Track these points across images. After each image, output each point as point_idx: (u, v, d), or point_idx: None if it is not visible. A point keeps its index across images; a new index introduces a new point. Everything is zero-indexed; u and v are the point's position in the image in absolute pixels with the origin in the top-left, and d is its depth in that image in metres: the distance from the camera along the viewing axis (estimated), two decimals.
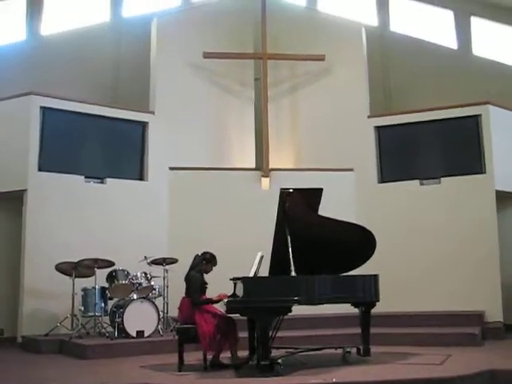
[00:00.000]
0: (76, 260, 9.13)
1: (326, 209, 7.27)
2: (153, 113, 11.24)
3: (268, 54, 11.64)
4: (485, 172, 10.49)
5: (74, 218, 10.09)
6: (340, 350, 7.45)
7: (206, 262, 7.19)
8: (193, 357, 7.20)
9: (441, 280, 10.32)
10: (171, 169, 11.11)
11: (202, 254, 7.24)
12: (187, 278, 7.14)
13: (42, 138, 10.07)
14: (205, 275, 7.21)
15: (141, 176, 11.03)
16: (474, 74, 12.09)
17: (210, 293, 7.15)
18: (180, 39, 11.68)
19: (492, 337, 9.10)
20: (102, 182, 10.60)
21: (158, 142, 11.13)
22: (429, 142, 11.14)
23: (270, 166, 11.30)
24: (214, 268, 7.30)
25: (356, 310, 7.57)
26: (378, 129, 11.45)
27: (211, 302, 7.00)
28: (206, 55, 11.39)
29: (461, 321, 9.49)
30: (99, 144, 10.77)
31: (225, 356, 7.10)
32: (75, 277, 9.20)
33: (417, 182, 10.96)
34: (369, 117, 11.52)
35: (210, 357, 6.94)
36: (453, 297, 10.10)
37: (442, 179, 10.79)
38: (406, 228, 10.73)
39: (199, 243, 7.52)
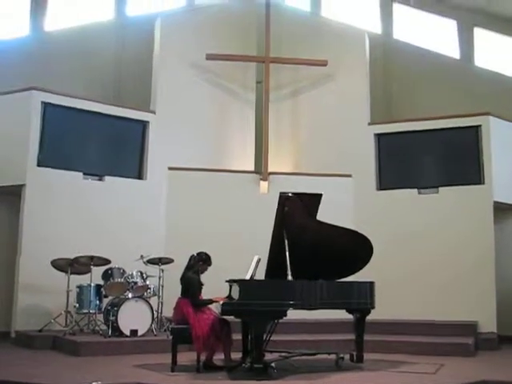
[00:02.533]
0: (72, 257, 9.12)
1: (324, 214, 7.27)
2: (154, 112, 11.24)
3: (270, 57, 11.65)
4: (483, 183, 10.50)
5: (72, 214, 10.09)
6: (333, 356, 7.45)
7: (202, 262, 7.19)
8: (186, 357, 7.18)
9: (435, 288, 10.32)
10: (170, 169, 11.11)
11: (197, 255, 7.24)
12: (184, 279, 7.13)
13: (43, 133, 10.06)
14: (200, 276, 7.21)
15: (140, 175, 11.03)
16: (476, 85, 12.12)
17: (206, 295, 7.15)
18: (183, 40, 11.68)
19: (485, 347, 9.10)
20: (101, 180, 10.59)
21: (158, 141, 11.13)
22: (428, 151, 11.16)
23: (269, 170, 11.31)
24: (209, 269, 7.30)
25: (351, 316, 7.58)
26: (378, 136, 11.47)
27: (212, 302, 7.00)
28: (209, 57, 11.40)
29: (454, 331, 9.51)
30: (99, 141, 10.77)
31: (218, 358, 7.10)
32: (71, 273, 9.19)
33: (415, 190, 10.98)
34: (369, 124, 11.55)
35: (203, 358, 6.94)
36: (447, 306, 10.11)
37: (440, 189, 10.81)
38: (402, 236, 10.73)
39: (196, 244, 7.52)
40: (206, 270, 7.26)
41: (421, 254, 10.57)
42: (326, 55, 11.57)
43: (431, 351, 8.46)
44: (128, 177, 10.85)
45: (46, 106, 10.15)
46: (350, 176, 11.38)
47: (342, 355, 7.41)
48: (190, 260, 7.26)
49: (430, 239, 10.57)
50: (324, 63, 11.54)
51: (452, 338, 9.01)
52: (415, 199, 10.92)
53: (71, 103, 10.36)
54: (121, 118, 10.89)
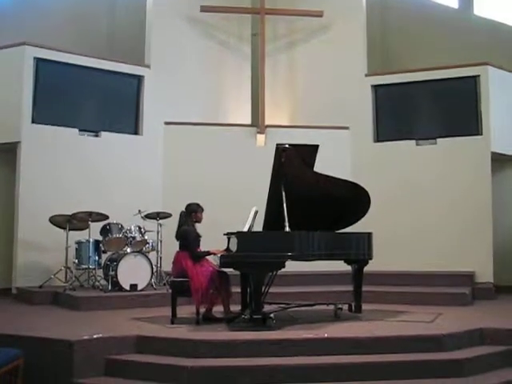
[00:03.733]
0: (70, 213, 9.10)
1: (321, 166, 7.25)
2: (148, 66, 11.08)
3: (266, 8, 11.41)
4: (481, 134, 10.41)
5: (69, 171, 10.04)
6: (331, 307, 7.52)
7: (194, 212, 7.18)
8: (186, 310, 7.23)
9: (433, 240, 10.36)
10: (166, 123, 11.02)
11: (186, 208, 7.23)
12: (181, 233, 7.13)
13: (36, 89, 9.91)
14: (197, 229, 7.22)
15: (136, 130, 10.94)
16: (475, 34, 11.91)
17: (204, 248, 7.15)
18: None
19: (482, 297, 9.18)
20: (97, 136, 10.50)
21: (154, 96, 11.01)
22: (426, 103, 11.05)
23: (266, 123, 11.21)
24: (207, 222, 7.31)
25: (349, 268, 7.63)
26: (375, 88, 11.34)
27: (210, 253, 7.02)
28: (204, 8, 11.19)
29: (451, 281, 9.58)
30: (94, 97, 10.63)
31: (217, 310, 7.15)
32: (69, 230, 9.20)
33: (413, 142, 10.90)
34: (366, 75, 11.39)
35: (202, 310, 7.00)
36: (444, 257, 10.14)
37: (439, 140, 10.73)
38: (400, 188, 10.72)
39: (193, 198, 7.46)
40: (200, 218, 7.27)
41: (418, 206, 10.58)
42: (321, 6, 11.35)
43: (429, 301, 8.54)
44: (124, 132, 10.76)
45: (39, 61, 9.97)
46: (347, 128, 11.30)
47: (340, 306, 7.48)
48: (180, 217, 7.24)
49: (427, 190, 10.56)
50: (320, 14, 11.34)
51: (449, 288, 9.09)
52: (413, 151, 10.86)
53: (64, 58, 10.18)
54: (115, 72, 10.73)
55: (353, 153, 11.24)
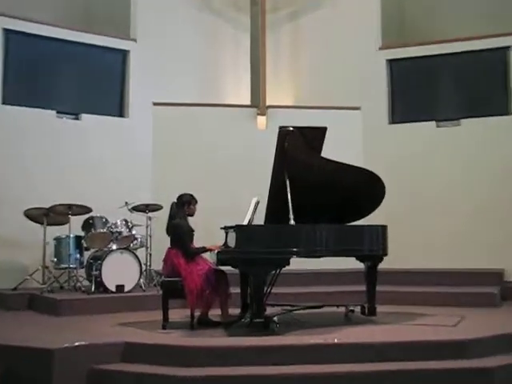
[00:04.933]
0: (48, 205, 9.10)
1: (329, 152, 7.25)
2: (134, 40, 11.06)
3: None
4: (511, 113, 10.43)
5: (46, 158, 10.03)
6: (342, 309, 7.56)
7: (186, 204, 7.20)
8: (179, 314, 7.26)
9: (456, 233, 10.37)
10: (155, 104, 11.01)
11: (178, 199, 7.24)
12: (172, 228, 7.15)
13: (6, 65, 9.88)
14: (190, 222, 7.23)
15: (121, 112, 10.95)
16: (504, 0, 11.86)
17: (199, 244, 7.17)
18: None
19: None
20: (77, 119, 10.50)
21: (141, 73, 10.99)
22: (448, 79, 11.04)
23: (267, 103, 11.21)
24: (202, 215, 7.33)
25: (361, 265, 7.63)
26: (390, 62, 11.33)
27: (206, 250, 7.05)
28: None
29: (478, 279, 9.55)
30: (74, 75, 10.62)
31: (214, 313, 7.16)
32: (47, 224, 9.20)
33: (433, 123, 10.90)
34: (380, 48, 11.38)
35: (197, 313, 7.02)
36: (469, 252, 10.16)
37: (462, 121, 10.72)
38: (418, 175, 10.73)
39: (186, 188, 7.47)
40: (194, 211, 7.29)
41: (439, 196, 10.58)
42: None
43: (451, 302, 8.54)
44: (108, 114, 10.75)
45: (9, 33, 9.93)
46: (358, 109, 11.30)
47: (352, 308, 7.51)
48: (171, 209, 7.26)
49: (450, 178, 10.56)
50: None
51: (475, 288, 9.09)
52: (433, 133, 10.85)
53: (39, 30, 10.15)
54: (97, 46, 10.71)
55: (365, 136, 11.23)
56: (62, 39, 10.38)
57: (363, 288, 7.67)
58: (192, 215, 7.31)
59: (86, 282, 9.12)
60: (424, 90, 11.17)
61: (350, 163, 7.41)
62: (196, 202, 7.33)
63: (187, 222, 7.18)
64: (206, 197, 7.62)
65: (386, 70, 11.34)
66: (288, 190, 6.77)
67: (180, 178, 10.34)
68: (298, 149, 6.97)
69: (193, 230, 7.19)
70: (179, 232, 7.06)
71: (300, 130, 6.95)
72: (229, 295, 7.12)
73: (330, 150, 7.29)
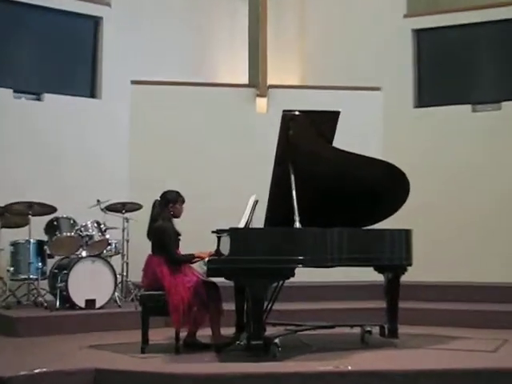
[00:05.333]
0: (3, 204, 9.11)
1: (342, 140, 7.23)
2: (109, 4, 11.09)
3: None
4: None
5: (0, 146, 10.03)
6: (358, 330, 7.55)
7: (171, 203, 7.22)
8: (161, 334, 7.31)
9: (494, 239, 10.42)
10: (134, 83, 11.05)
11: (162, 197, 7.27)
12: (155, 231, 7.15)
13: None
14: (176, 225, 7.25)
15: (92, 92, 11.02)
16: None
17: (186, 250, 7.18)
18: None
19: None
20: (39, 99, 10.55)
21: (117, 45, 11.03)
22: (487, 53, 11.10)
23: (269, 83, 11.25)
24: (191, 216, 7.34)
25: (380, 277, 7.64)
26: (418, 33, 11.41)
27: (193, 258, 7.05)
28: None
29: None
30: (34, 46, 10.68)
31: (204, 334, 7.17)
32: (2, 226, 9.22)
33: (468, 107, 10.94)
34: (405, 16, 11.42)
35: (183, 334, 7.02)
36: (510, 263, 10.18)
37: (503, 104, 10.78)
38: (449, 169, 10.76)
39: (171, 183, 7.49)
40: (180, 211, 7.32)
41: (476, 195, 10.61)
42: None
43: (489, 323, 8.54)
44: (76, 94, 10.80)
45: None
46: (378, 89, 11.37)
47: (369, 328, 7.50)
48: (153, 207, 7.27)
49: (488, 174, 10.60)
50: None
51: None
52: (468, 119, 10.90)
53: None
54: (64, 12, 10.74)
55: (386, 122, 11.28)
56: (21, 2, 10.38)
57: (382, 305, 7.68)
58: (178, 216, 7.32)
59: (49, 297, 9.14)
60: (457, 66, 11.22)
61: (368, 154, 7.41)
62: (183, 201, 7.34)
63: (172, 225, 7.19)
64: (194, 194, 7.61)
65: (411, 43, 11.39)
66: (293, 186, 6.75)
67: (163, 171, 10.36)
68: (305, 137, 6.97)
69: (179, 234, 7.21)
70: (162, 236, 7.06)
71: (307, 114, 6.94)
72: (221, 312, 7.11)
73: (344, 139, 7.28)
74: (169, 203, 7.24)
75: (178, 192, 7.32)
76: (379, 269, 7.52)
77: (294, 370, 6.06)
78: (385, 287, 7.61)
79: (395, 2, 11.48)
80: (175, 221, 7.30)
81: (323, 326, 7.73)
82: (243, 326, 7.25)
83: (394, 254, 7.30)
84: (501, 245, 10.34)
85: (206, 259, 6.85)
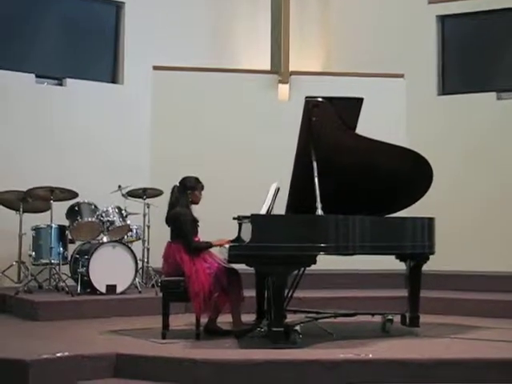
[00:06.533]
0: (25, 189, 9.15)
1: (364, 128, 7.20)
2: None
3: None
4: None
5: (22, 131, 10.09)
6: (379, 318, 7.54)
7: (190, 190, 7.20)
8: (182, 320, 7.35)
9: None
10: (156, 68, 11.07)
11: (180, 183, 7.25)
12: (173, 218, 7.15)
13: None
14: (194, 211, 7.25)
15: (114, 77, 11.04)
16: None
17: (207, 238, 7.18)
18: None
19: None
20: (61, 84, 10.58)
21: (138, 31, 11.03)
22: None
23: (291, 69, 11.24)
24: (211, 203, 7.33)
25: (402, 266, 7.63)
26: (442, 19, 11.34)
27: (211, 246, 7.06)
28: None
29: None
30: (56, 32, 10.70)
31: (224, 320, 7.19)
32: (24, 211, 9.27)
33: (493, 94, 10.88)
34: (430, 2, 11.35)
35: (204, 320, 7.04)
36: None
37: None
38: (474, 157, 10.72)
39: (192, 170, 7.47)
40: (199, 198, 7.28)
41: (500, 184, 10.57)
42: None
43: None
44: (98, 80, 10.83)
45: None
46: (401, 76, 11.32)
47: (390, 317, 7.48)
48: (172, 194, 7.26)
49: None
50: None
51: None
52: (493, 106, 10.84)
53: None
54: None
55: (409, 110, 11.23)
56: None
57: (404, 293, 7.66)
58: (197, 203, 7.29)
59: (70, 281, 9.15)
60: (482, 53, 11.15)
61: (391, 142, 7.39)
62: (202, 187, 7.32)
63: (190, 211, 7.17)
64: (215, 181, 7.61)
65: (435, 29, 11.34)
66: (315, 173, 6.73)
67: (184, 157, 10.37)
68: (328, 124, 6.94)
69: (197, 221, 7.19)
70: (180, 223, 7.05)
71: (330, 101, 6.91)
72: (242, 299, 7.12)
73: (367, 126, 7.25)
74: (187, 189, 7.20)
75: (197, 178, 7.30)
76: (401, 257, 7.47)
77: (315, 357, 6.05)
78: (406, 276, 7.56)
79: None
80: (194, 207, 7.28)
81: (344, 314, 7.72)
82: (264, 312, 7.28)
83: (416, 241, 7.22)
84: None
85: (227, 246, 6.86)
